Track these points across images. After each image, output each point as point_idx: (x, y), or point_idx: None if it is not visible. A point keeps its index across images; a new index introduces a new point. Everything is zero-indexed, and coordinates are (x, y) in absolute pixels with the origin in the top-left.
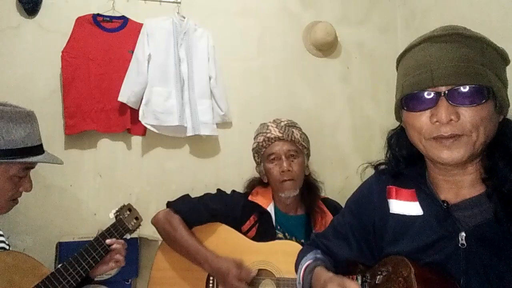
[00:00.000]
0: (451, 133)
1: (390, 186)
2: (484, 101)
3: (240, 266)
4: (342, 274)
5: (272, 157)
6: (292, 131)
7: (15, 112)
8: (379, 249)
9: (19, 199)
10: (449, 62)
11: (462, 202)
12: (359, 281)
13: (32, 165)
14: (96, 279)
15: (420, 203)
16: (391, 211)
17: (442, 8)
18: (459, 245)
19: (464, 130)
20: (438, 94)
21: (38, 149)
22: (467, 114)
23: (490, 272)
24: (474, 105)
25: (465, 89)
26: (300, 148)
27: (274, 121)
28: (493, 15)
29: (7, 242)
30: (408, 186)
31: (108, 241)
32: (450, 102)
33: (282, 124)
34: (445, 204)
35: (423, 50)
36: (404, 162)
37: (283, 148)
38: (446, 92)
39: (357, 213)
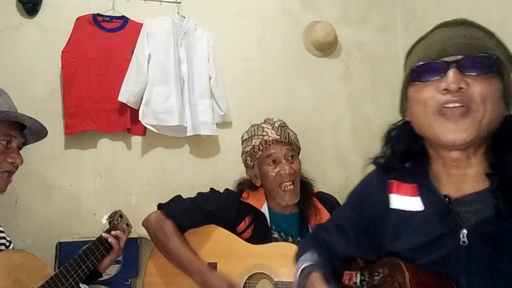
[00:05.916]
0: (460, 100)
1: (392, 181)
2: (492, 72)
3: None
4: (342, 269)
5: (270, 160)
6: (288, 132)
7: None
8: (379, 245)
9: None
10: (460, 39)
11: (464, 197)
12: (358, 278)
13: (14, 134)
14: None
15: (421, 198)
16: (391, 206)
17: (442, 8)
18: (460, 243)
19: (472, 101)
20: (447, 64)
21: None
22: (477, 85)
23: (493, 271)
24: (483, 74)
25: (475, 59)
26: (295, 148)
27: (266, 121)
28: (493, 15)
29: (8, 239)
30: (410, 181)
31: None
32: (460, 70)
33: (276, 125)
34: (446, 199)
35: (436, 34)
36: (399, 157)
37: (282, 151)
38: (457, 60)
39: (358, 207)
